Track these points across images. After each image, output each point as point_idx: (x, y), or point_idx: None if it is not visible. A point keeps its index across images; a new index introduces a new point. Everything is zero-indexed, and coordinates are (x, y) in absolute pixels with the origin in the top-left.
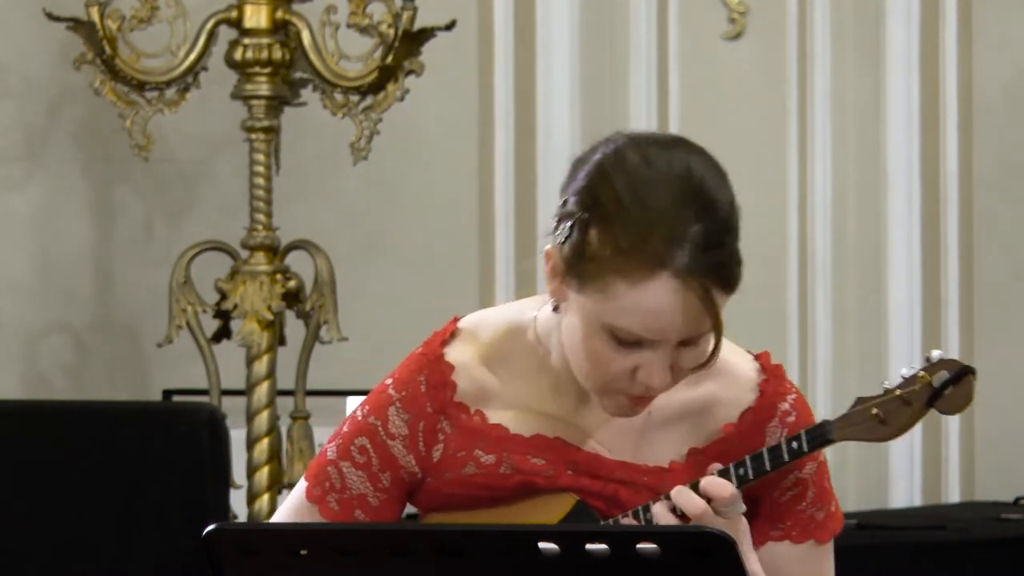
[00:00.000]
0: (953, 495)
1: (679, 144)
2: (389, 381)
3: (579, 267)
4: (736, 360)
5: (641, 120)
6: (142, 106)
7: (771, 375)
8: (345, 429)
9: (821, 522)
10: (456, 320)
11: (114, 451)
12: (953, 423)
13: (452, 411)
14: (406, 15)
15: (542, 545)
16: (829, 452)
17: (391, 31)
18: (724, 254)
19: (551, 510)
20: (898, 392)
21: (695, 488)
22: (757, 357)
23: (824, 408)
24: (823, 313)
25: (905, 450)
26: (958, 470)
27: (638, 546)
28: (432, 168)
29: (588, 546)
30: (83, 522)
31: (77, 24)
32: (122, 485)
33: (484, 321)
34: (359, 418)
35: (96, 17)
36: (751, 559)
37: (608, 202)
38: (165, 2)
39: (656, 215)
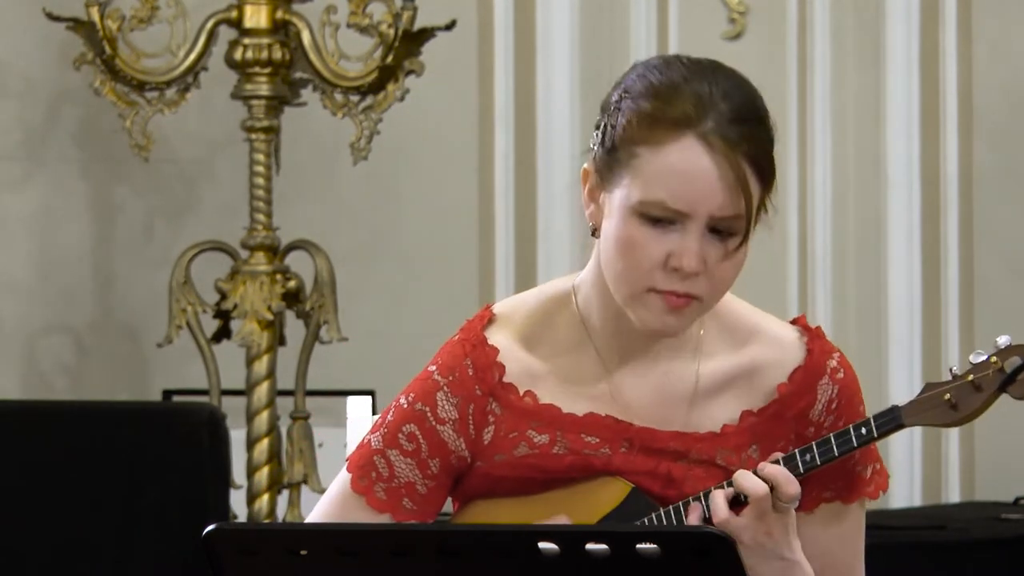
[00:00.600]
0: (953, 495)
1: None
2: (433, 368)
3: (610, 159)
4: (774, 324)
5: None
6: (142, 106)
7: (813, 335)
8: (390, 418)
9: (869, 479)
10: (489, 307)
11: (114, 451)
12: None
13: (501, 392)
14: (406, 15)
15: (542, 545)
16: None
17: (391, 31)
18: (754, 132)
19: (605, 497)
20: (970, 378)
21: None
22: (794, 321)
23: None
24: (823, 313)
25: (905, 450)
26: (958, 470)
27: (638, 546)
28: (432, 168)
29: (588, 546)
30: (83, 522)
31: (77, 24)
32: (122, 485)
33: (519, 304)
34: (404, 406)
35: (96, 17)
36: (796, 547)
37: (634, 88)
38: (165, 2)
39: (682, 82)
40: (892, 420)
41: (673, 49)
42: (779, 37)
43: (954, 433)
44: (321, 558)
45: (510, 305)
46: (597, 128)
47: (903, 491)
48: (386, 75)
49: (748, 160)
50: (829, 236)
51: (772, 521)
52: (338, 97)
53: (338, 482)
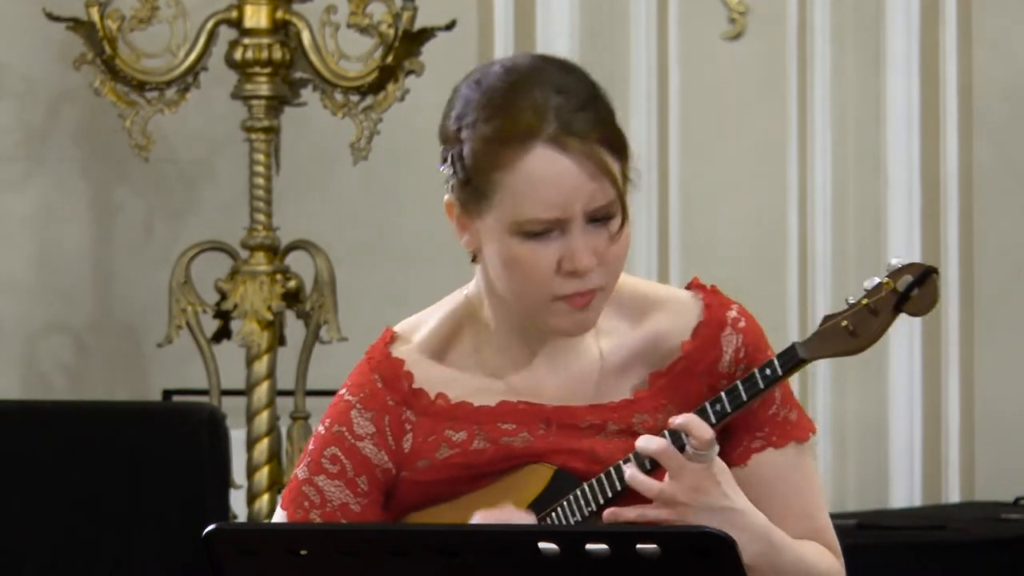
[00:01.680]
0: (953, 495)
1: (524, 53)
2: (343, 391)
3: (469, 190)
4: (670, 291)
5: (641, 120)
6: (142, 106)
7: (708, 292)
8: (311, 447)
9: (796, 422)
10: (390, 329)
11: (114, 451)
12: (953, 423)
13: (413, 399)
14: (406, 15)
15: (542, 545)
16: (829, 451)
17: (391, 31)
18: (596, 115)
19: (530, 485)
20: (865, 302)
21: (670, 434)
22: (688, 285)
23: (823, 409)
24: (823, 312)
25: (905, 450)
26: (958, 470)
27: (638, 546)
28: (432, 168)
29: (588, 546)
30: (83, 522)
31: (77, 24)
32: (122, 485)
33: (417, 322)
34: (322, 432)
35: (96, 17)
36: (736, 495)
37: (469, 112)
38: (165, 2)
39: (512, 97)
40: (793, 356)
41: (673, 49)
42: (779, 37)
43: (954, 433)
44: (321, 558)
45: (409, 324)
46: (444, 160)
47: (903, 491)
48: (386, 75)
49: (601, 144)
50: (829, 236)
51: (696, 474)
52: (338, 97)
53: (276, 519)
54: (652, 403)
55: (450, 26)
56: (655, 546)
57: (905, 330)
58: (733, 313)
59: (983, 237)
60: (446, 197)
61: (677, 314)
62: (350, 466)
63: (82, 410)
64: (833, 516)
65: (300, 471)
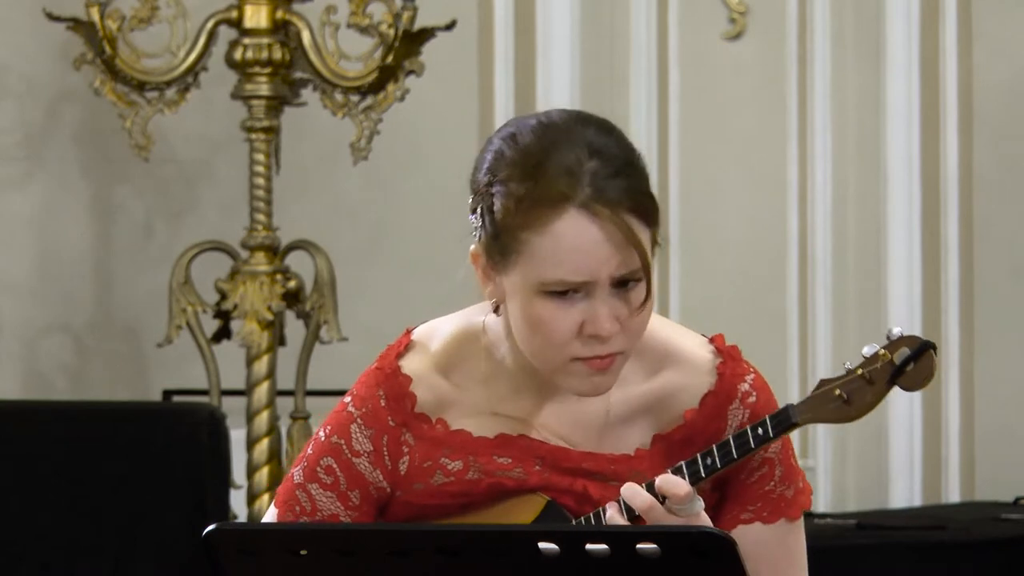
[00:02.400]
0: (953, 495)
1: (561, 109)
2: (348, 399)
3: (497, 245)
4: (691, 346)
5: (641, 120)
6: (142, 106)
7: (728, 357)
8: (309, 451)
9: (791, 499)
10: (409, 332)
11: (114, 451)
12: (953, 423)
13: (414, 423)
14: (406, 15)
15: (542, 545)
16: (829, 451)
17: (391, 31)
18: (629, 183)
19: (522, 513)
20: (860, 371)
21: (650, 487)
22: (711, 340)
23: None
24: (823, 313)
25: (905, 450)
26: (958, 470)
27: (638, 546)
28: (432, 168)
29: (588, 546)
30: (83, 522)
31: (77, 24)
32: (122, 485)
33: (435, 330)
34: (322, 439)
35: (96, 17)
36: None
37: (503, 168)
38: (165, 2)
39: (547, 159)
40: (786, 419)
41: (673, 49)
42: (779, 37)
43: (954, 433)
44: (321, 558)
45: (427, 331)
46: (473, 212)
47: (903, 491)
48: (386, 75)
49: (632, 213)
50: (829, 236)
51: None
52: (338, 97)
53: (268, 516)
54: (650, 462)
55: (450, 26)
56: (655, 546)
57: (905, 329)
58: (745, 386)
59: (983, 237)
60: (472, 247)
61: (690, 377)
62: (344, 480)
63: (82, 410)
64: (833, 516)
65: (296, 473)
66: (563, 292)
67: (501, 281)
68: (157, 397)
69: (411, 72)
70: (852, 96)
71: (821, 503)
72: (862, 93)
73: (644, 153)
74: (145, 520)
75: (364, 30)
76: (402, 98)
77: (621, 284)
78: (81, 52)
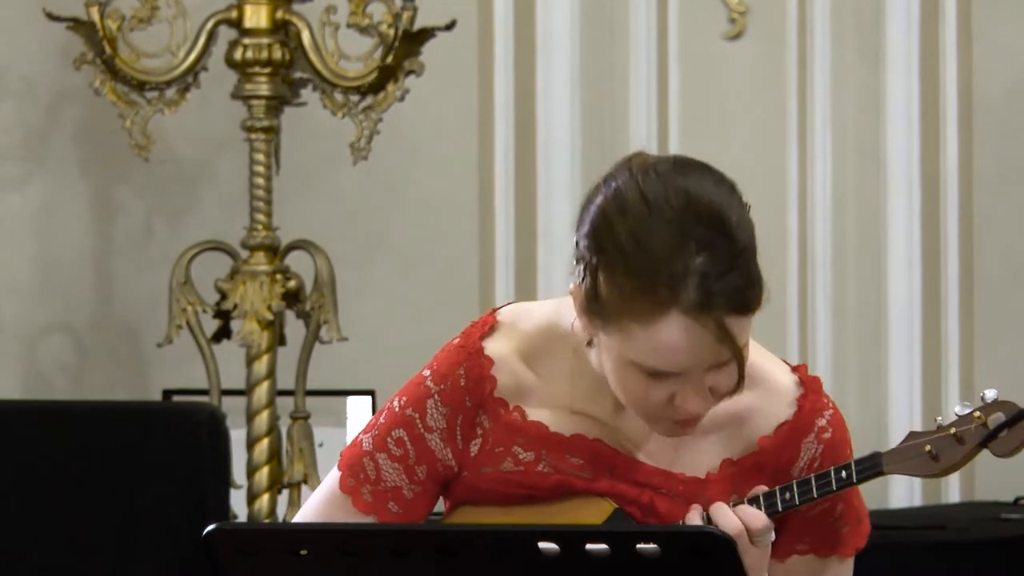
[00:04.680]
0: (953, 495)
1: (682, 170)
2: (427, 373)
3: (596, 309)
4: (774, 372)
5: (641, 120)
6: (142, 106)
7: (809, 389)
8: (382, 420)
9: (845, 537)
10: (494, 312)
11: (114, 451)
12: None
13: (491, 406)
14: (406, 15)
15: (542, 545)
16: None
17: (391, 31)
18: (735, 279)
19: (588, 514)
20: (952, 431)
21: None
22: (795, 369)
23: None
24: (823, 313)
25: None
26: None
27: (638, 546)
28: (432, 168)
29: (588, 546)
30: (83, 522)
31: (77, 24)
32: (122, 485)
33: (524, 316)
34: (396, 409)
35: (96, 17)
36: None
37: (611, 249)
38: (165, 2)
39: (657, 257)
40: (873, 467)
41: (673, 49)
42: (779, 37)
43: None
44: (321, 558)
45: (514, 314)
46: (577, 262)
47: (903, 491)
48: (386, 75)
49: (734, 312)
50: (829, 236)
51: (752, 556)
52: (338, 97)
53: (330, 479)
54: (719, 487)
55: (450, 26)
56: (655, 546)
57: (905, 330)
58: (823, 422)
59: (983, 237)
60: (571, 286)
61: (770, 403)
62: (413, 454)
63: (82, 410)
64: None
65: (365, 440)
66: (656, 373)
67: (595, 331)
68: (157, 397)
69: (411, 72)
70: (852, 96)
71: None
72: (862, 93)
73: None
74: (145, 520)
75: (364, 30)
76: (402, 98)
77: (715, 367)
78: (81, 52)
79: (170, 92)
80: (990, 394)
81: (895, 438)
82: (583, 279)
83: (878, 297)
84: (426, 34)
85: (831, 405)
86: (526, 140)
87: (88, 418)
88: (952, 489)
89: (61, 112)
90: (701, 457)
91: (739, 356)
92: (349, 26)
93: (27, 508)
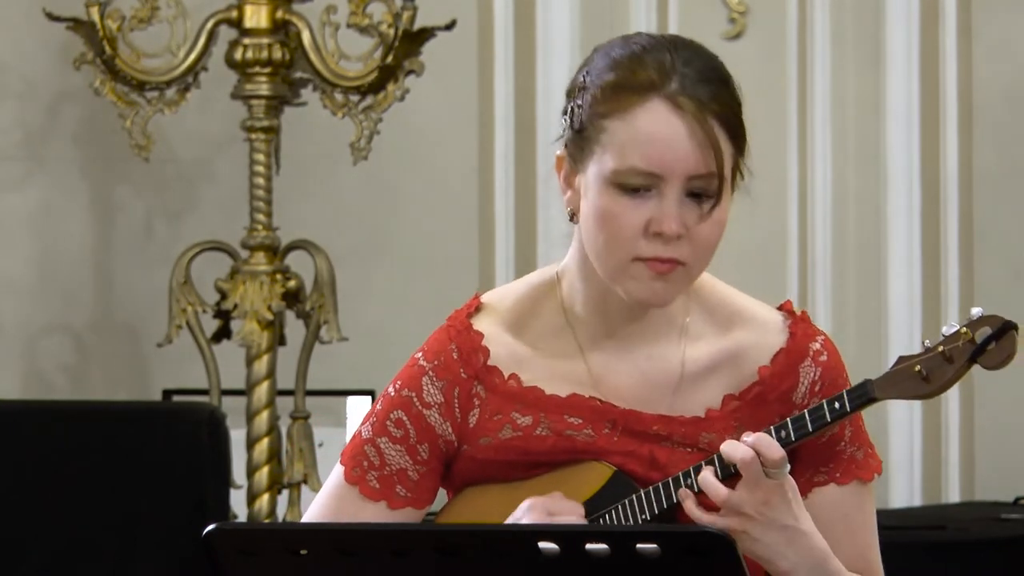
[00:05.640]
0: (953, 495)
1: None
2: (419, 355)
3: (580, 138)
4: (760, 309)
5: None
6: (142, 106)
7: (797, 319)
8: (378, 407)
9: (862, 461)
10: (478, 295)
11: (114, 451)
12: (953, 423)
13: (486, 376)
14: (406, 15)
15: (542, 545)
16: None
17: (391, 31)
18: (720, 92)
19: (588, 480)
20: (941, 349)
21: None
22: (780, 306)
23: None
24: (823, 313)
25: (905, 450)
26: (958, 470)
27: (638, 546)
28: (432, 168)
29: (588, 546)
30: (83, 522)
31: (77, 24)
32: (122, 485)
33: (506, 292)
34: (392, 394)
35: (96, 17)
36: (803, 517)
37: (595, 64)
38: (165, 2)
39: (642, 52)
40: (864, 394)
41: None
42: (779, 37)
43: (954, 433)
44: (321, 558)
45: (497, 294)
46: (565, 113)
47: (903, 491)
48: (386, 75)
49: (717, 119)
50: (829, 236)
51: (768, 489)
52: (338, 97)
53: (333, 475)
54: (722, 424)
55: (450, 26)
56: (655, 546)
57: (905, 330)
58: (816, 345)
59: (983, 237)
60: (557, 152)
61: (761, 335)
62: (414, 433)
63: (82, 410)
64: None
65: (364, 430)
66: (635, 189)
67: (579, 181)
68: (157, 397)
69: (411, 72)
70: (852, 96)
71: None
72: (862, 93)
73: None
74: (145, 520)
75: (364, 30)
76: (402, 98)
77: (695, 195)
78: (81, 52)
79: (170, 92)
80: (976, 311)
81: (895, 438)
82: (568, 123)
83: (878, 297)
84: (426, 34)
85: (822, 332)
86: (526, 140)
87: (88, 418)
88: (952, 489)
89: (61, 112)
90: (699, 397)
91: (720, 165)
92: (349, 26)
93: (27, 508)
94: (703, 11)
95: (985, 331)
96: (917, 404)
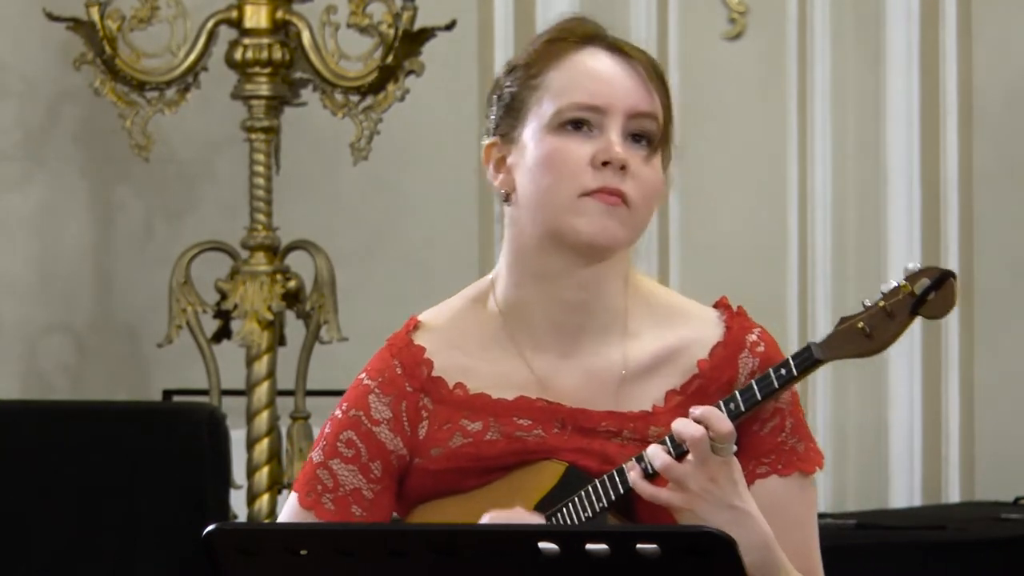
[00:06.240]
0: (953, 495)
1: None
2: (363, 375)
3: (512, 109)
4: (695, 306)
5: None
6: (142, 106)
7: (733, 313)
8: (327, 430)
9: (803, 454)
10: (414, 316)
11: (114, 451)
12: (953, 423)
13: (432, 387)
14: (406, 15)
15: (542, 545)
16: (829, 451)
17: (391, 31)
18: (650, 59)
19: (542, 479)
20: (882, 304)
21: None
22: (716, 303)
23: (824, 411)
24: (823, 313)
25: (905, 450)
26: (958, 470)
27: (638, 546)
28: (432, 168)
29: (588, 546)
30: (83, 522)
31: (77, 24)
32: (122, 485)
33: (441, 308)
34: (339, 416)
35: (96, 17)
36: (749, 499)
37: (523, 50)
38: (165, 2)
39: (575, 17)
40: (809, 357)
41: (673, 49)
42: (779, 37)
43: (954, 433)
44: (321, 558)
45: (433, 312)
46: (490, 105)
47: (903, 491)
48: (386, 75)
49: (651, 69)
50: (829, 236)
51: (714, 466)
52: (338, 97)
53: (288, 504)
54: (668, 418)
55: (450, 26)
56: (655, 546)
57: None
58: (753, 337)
59: (983, 237)
60: (485, 142)
61: (700, 330)
62: (365, 451)
63: (82, 410)
64: (833, 516)
65: (315, 455)
66: (578, 126)
67: (513, 157)
68: (157, 397)
69: (411, 72)
70: (852, 96)
71: (821, 503)
72: (862, 93)
73: None
74: (145, 520)
75: (364, 30)
76: (402, 98)
77: (636, 139)
78: (81, 52)
79: (170, 92)
80: (911, 265)
81: (895, 438)
82: (495, 111)
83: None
84: (426, 34)
85: (758, 325)
86: None
87: (88, 418)
88: (952, 489)
89: (61, 112)
90: (644, 394)
91: (662, 106)
92: (349, 26)
93: (27, 508)
94: (703, 11)
95: (924, 283)
96: (918, 403)
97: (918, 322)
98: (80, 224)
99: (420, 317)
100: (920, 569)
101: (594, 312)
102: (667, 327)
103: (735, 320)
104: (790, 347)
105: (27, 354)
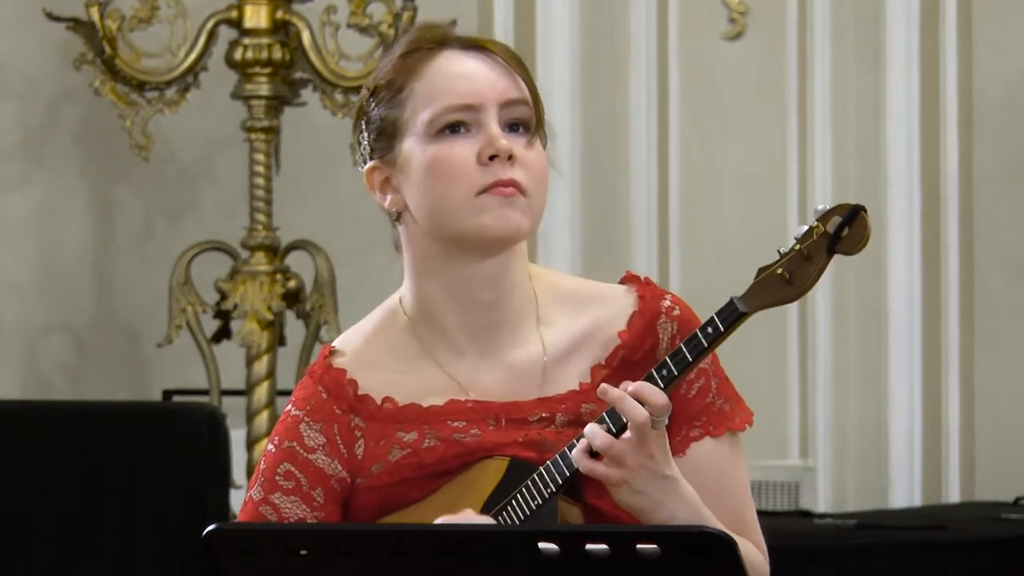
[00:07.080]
0: (953, 495)
1: None
2: (289, 407)
3: (383, 131)
4: (605, 286)
5: (641, 119)
6: (142, 106)
7: (642, 283)
8: (263, 466)
9: (730, 413)
10: (328, 345)
11: (114, 451)
12: (953, 423)
13: (360, 406)
14: (406, 15)
15: (542, 545)
16: (829, 451)
17: (391, 31)
18: (510, 51)
19: (487, 476)
20: (797, 247)
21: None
22: (622, 280)
23: (825, 411)
24: (823, 313)
25: (905, 450)
26: (958, 470)
27: (638, 546)
28: None
29: (588, 546)
30: (83, 522)
31: (77, 24)
32: (122, 485)
33: (353, 332)
34: (273, 450)
35: (96, 17)
36: (674, 465)
37: (377, 70)
38: (165, 2)
39: (421, 28)
40: (733, 311)
41: (673, 49)
42: (779, 37)
43: (954, 433)
44: (321, 558)
45: (346, 336)
46: (359, 132)
47: (903, 491)
48: None
49: (509, 56)
50: None
51: (651, 441)
52: (338, 97)
53: None
54: (596, 393)
55: (450, 26)
56: (655, 546)
57: (905, 330)
58: (667, 302)
59: (983, 237)
60: (362, 168)
61: (613, 306)
62: (305, 480)
63: (82, 410)
64: (833, 516)
65: (254, 492)
66: (455, 129)
67: (397, 176)
68: (157, 397)
69: None
70: (852, 96)
71: (821, 503)
72: (862, 93)
73: (644, 154)
74: (145, 520)
75: (364, 30)
76: None
77: (512, 127)
78: (81, 52)
79: (170, 92)
80: (821, 206)
81: (895, 438)
82: (365, 135)
83: (878, 297)
84: None
85: (668, 291)
86: None
87: (88, 418)
88: (952, 489)
89: (61, 112)
90: (569, 375)
91: (528, 89)
92: (349, 26)
93: (27, 508)
94: (703, 11)
95: (836, 220)
96: (917, 402)
97: (918, 320)
98: (80, 224)
99: (334, 344)
100: (920, 569)
101: (506, 308)
102: (579, 310)
103: (646, 289)
104: (791, 348)
105: (27, 354)
